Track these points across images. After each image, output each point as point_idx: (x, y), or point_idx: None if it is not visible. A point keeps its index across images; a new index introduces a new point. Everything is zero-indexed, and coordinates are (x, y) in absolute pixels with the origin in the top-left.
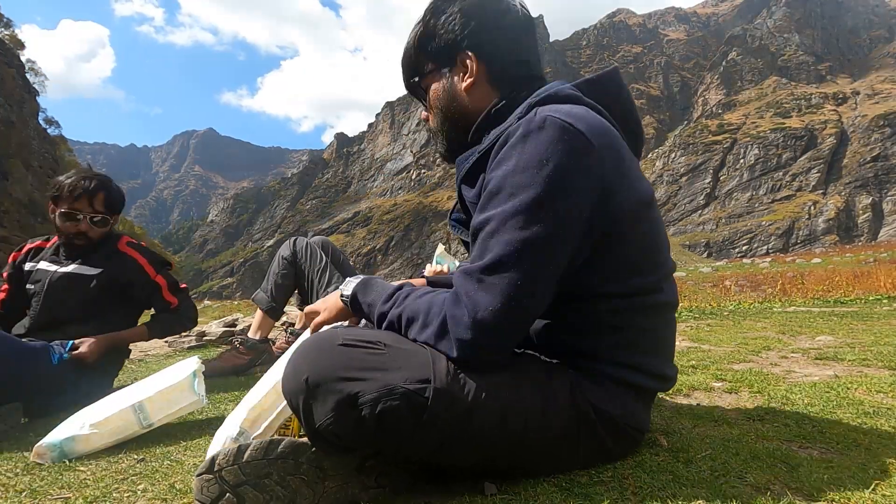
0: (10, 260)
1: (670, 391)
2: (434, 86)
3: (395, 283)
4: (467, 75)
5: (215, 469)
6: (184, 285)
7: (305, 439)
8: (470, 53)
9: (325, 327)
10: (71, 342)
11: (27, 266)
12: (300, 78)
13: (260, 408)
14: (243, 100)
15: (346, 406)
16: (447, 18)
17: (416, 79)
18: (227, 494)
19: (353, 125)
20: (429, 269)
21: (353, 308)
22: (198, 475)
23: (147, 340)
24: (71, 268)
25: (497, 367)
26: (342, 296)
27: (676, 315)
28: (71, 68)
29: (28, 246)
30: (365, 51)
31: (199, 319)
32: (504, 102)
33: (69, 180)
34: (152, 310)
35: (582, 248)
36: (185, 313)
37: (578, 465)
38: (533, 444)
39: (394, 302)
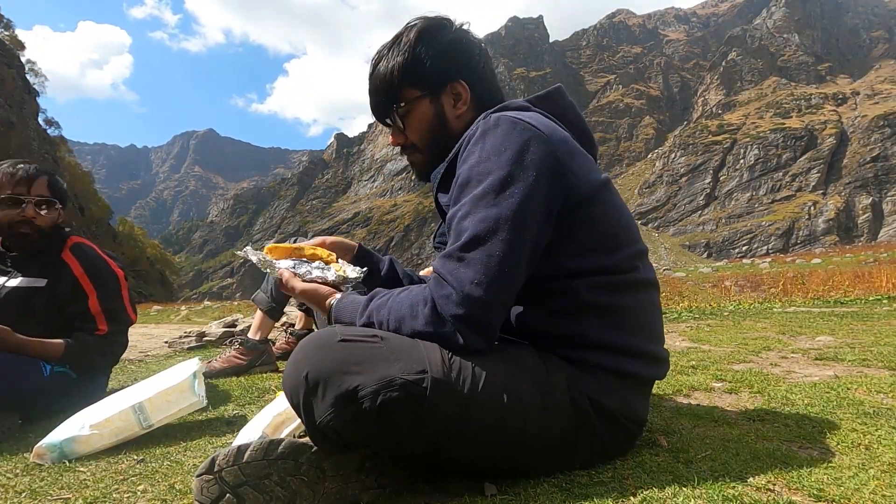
0: None
1: (671, 391)
2: (419, 111)
3: (366, 297)
4: (461, 102)
5: (215, 470)
6: (134, 317)
7: (305, 440)
8: (463, 82)
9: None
10: (62, 366)
11: None
12: (310, 80)
13: (284, 415)
14: (254, 104)
15: (345, 400)
16: (440, 49)
17: (403, 104)
18: (228, 495)
19: (362, 128)
20: (425, 271)
21: (331, 322)
22: (198, 476)
23: (58, 359)
24: (18, 281)
25: (493, 358)
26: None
27: (677, 315)
28: (85, 70)
29: None
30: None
31: (199, 320)
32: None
33: (4, 166)
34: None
35: (548, 221)
36: (112, 345)
37: (578, 462)
38: (531, 443)
39: (370, 311)
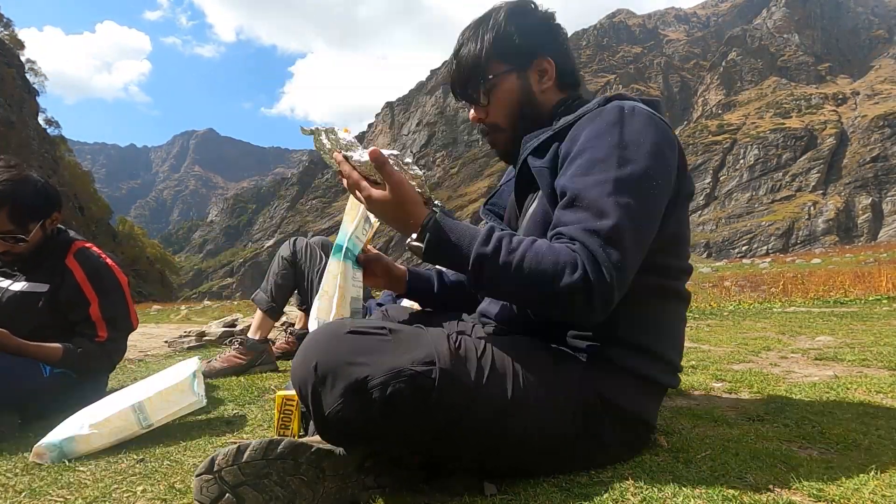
0: None
1: (670, 391)
2: (505, 86)
3: (483, 227)
4: (547, 77)
5: (215, 469)
6: (136, 324)
7: (304, 440)
8: (549, 59)
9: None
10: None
11: None
12: (322, 83)
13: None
14: (263, 108)
15: (354, 391)
16: (528, 27)
17: (491, 77)
18: (227, 495)
19: (362, 128)
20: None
21: (431, 246)
22: (197, 476)
23: (55, 363)
24: (22, 285)
25: (502, 351)
26: (418, 233)
27: None
28: (99, 71)
29: None
30: (389, 57)
31: (199, 320)
32: (573, 100)
33: None
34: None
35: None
36: (110, 352)
37: (581, 462)
38: (534, 439)
39: (499, 241)
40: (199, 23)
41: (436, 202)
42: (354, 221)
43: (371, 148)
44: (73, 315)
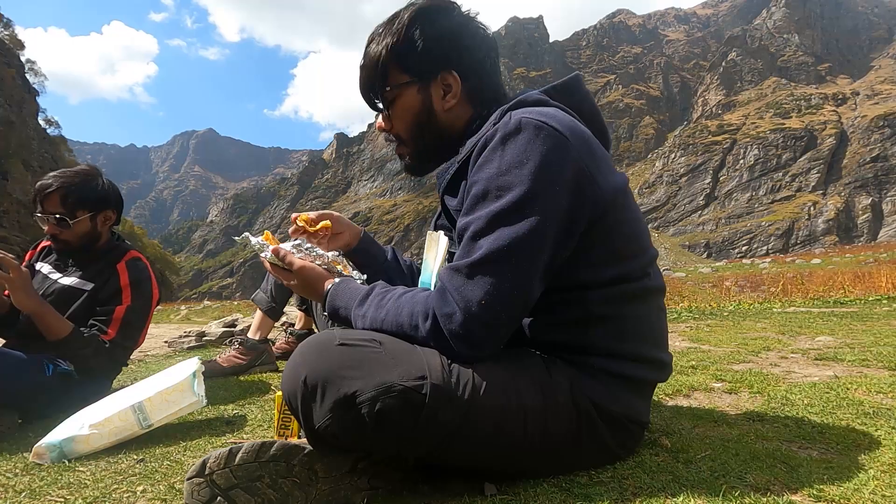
0: (26, 258)
1: (671, 391)
2: (404, 99)
3: (367, 286)
4: (451, 95)
5: (206, 472)
6: (142, 341)
7: (297, 441)
8: (455, 73)
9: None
10: (67, 365)
11: (39, 265)
12: (325, 82)
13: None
14: (273, 108)
15: (344, 405)
16: (435, 34)
17: (389, 88)
18: (219, 498)
19: (362, 128)
20: None
21: (329, 312)
22: (188, 479)
23: (59, 339)
24: (71, 280)
25: (493, 362)
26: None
27: (677, 315)
28: (104, 72)
29: (42, 244)
30: None
31: (199, 320)
32: (479, 119)
33: (38, 181)
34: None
35: (569, 240)
36: (111, 353)
37: (580, 466)
38: (534, 446)
39: (371, 302)
40: (204, 25)
41: (340, 271)
42: (437, 259)
43: (272, 247)
44: (102, 309)
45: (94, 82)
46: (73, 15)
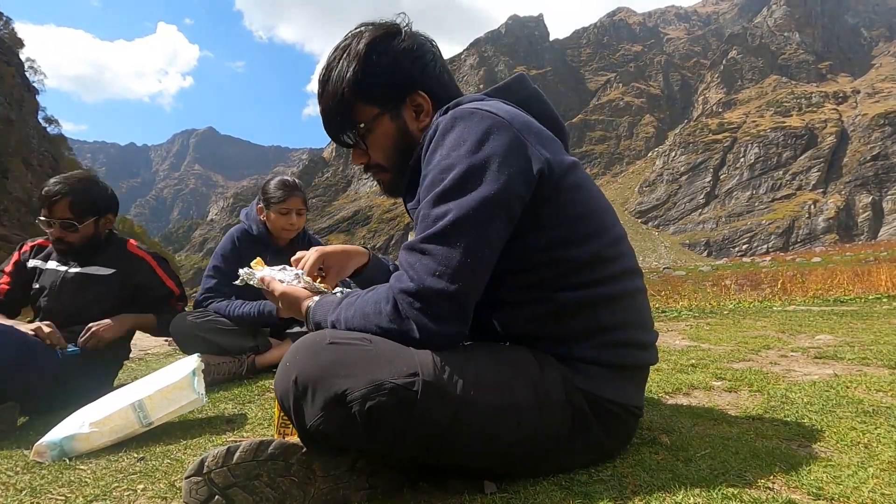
0: (13, 258)
1: (670, 390)
2: (380, 130)
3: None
4: (423, 114)
5: (204, 471)
6: (183, 306)
7: (296, 440)
8: (423, 93)
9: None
10: (74, 346)
11: (31, 263)
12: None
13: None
14: (300, 110)
15: (334, 404)
16: (392, 60)
17: (362, 124)
18: (217, 497)
19: None
20: None
21: (314, 328)
22: (186, 477)
23: (151, 332)
24: (78, 270)
25: (485, 359)
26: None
27: (677, 314)
28: (138, 76)
29: (29, 244)
30: None
31: None
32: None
33: (44, 188)
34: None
35: (517, 206)
36: (182, 300)
37: (575, 463)
38: (527, 442)
39: (341, 308)
40: (230, 27)
41: (322, 289)
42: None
43: (259, 275)
44: (154, 293)
45: (126, 84)
46: (106, 19)
